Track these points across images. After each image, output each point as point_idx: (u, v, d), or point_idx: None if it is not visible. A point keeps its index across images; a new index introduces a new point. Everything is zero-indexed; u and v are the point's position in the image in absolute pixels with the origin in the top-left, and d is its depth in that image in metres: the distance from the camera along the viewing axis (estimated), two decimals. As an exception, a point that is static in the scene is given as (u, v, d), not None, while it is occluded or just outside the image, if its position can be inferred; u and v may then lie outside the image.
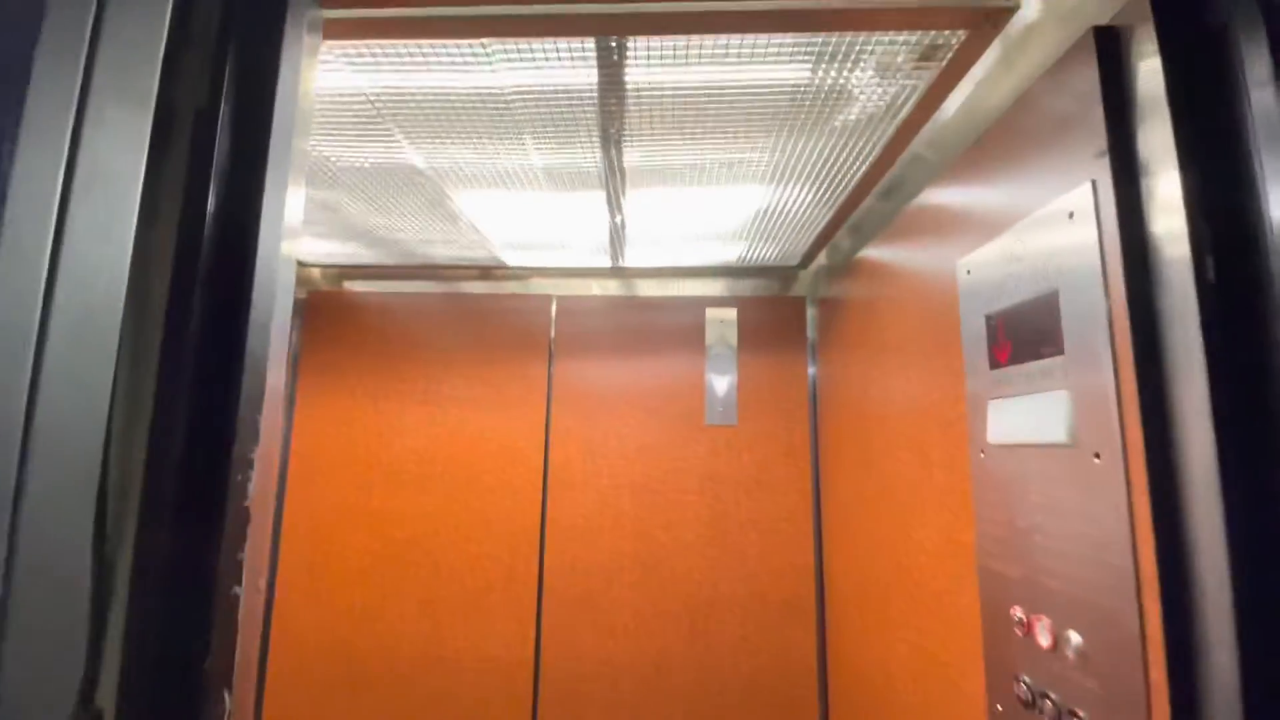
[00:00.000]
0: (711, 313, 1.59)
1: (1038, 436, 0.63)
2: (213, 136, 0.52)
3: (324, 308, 1.65)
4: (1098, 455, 0.56)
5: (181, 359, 0.47)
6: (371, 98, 0.85)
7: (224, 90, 0.54)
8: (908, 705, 0.97)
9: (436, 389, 1.58)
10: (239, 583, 0.49)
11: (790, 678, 1.44)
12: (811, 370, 1.56)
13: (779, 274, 1.62)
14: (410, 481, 1.54)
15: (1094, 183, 0.56)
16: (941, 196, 0.88)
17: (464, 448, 1.55)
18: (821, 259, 1.52)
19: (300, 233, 0.67)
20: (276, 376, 0.52)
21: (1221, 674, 0.45)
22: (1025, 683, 0.64)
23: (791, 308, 1.59)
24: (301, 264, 1.64)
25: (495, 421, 1.56)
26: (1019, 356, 0.67)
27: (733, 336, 1.58)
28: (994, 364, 0.72)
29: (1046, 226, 0.63)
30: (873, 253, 1.16)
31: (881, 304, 1.10)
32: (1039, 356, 0.64)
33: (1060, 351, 0.60)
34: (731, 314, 1.58)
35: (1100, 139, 0.56)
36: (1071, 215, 0.59)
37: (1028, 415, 0.65)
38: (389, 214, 1.24)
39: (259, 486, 0.51)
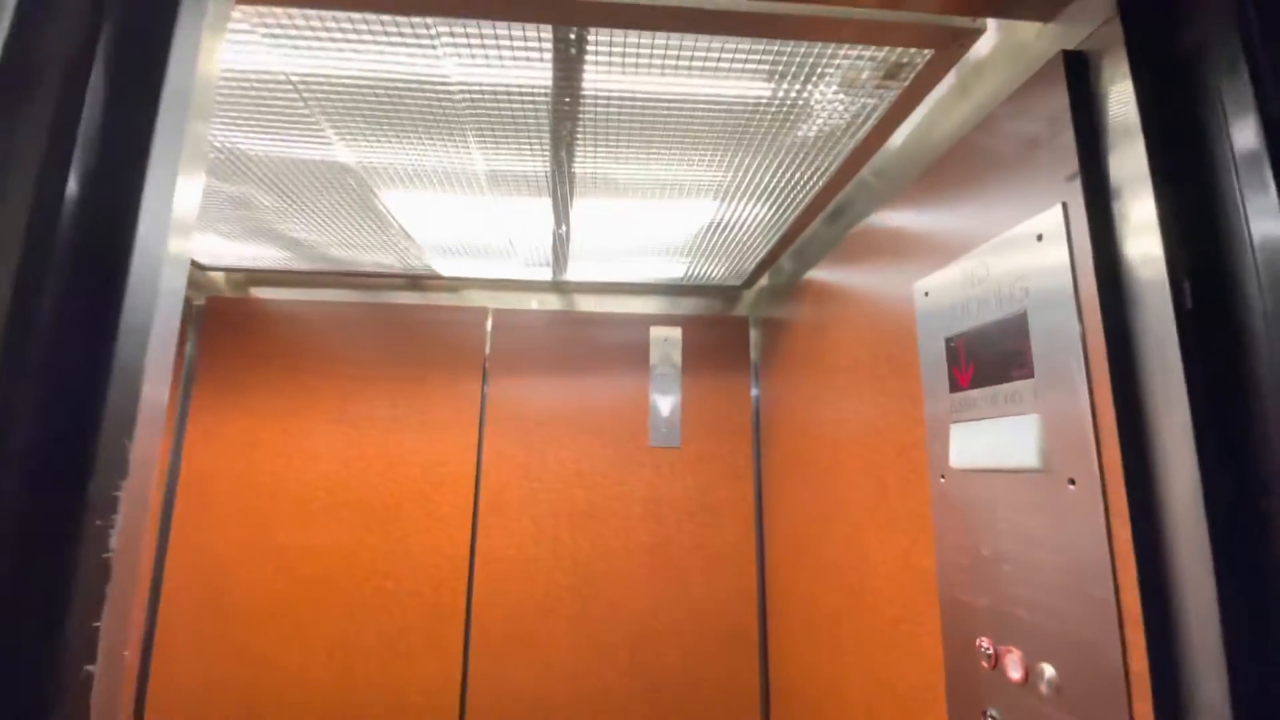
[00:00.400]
0: (656, 331, 1.55)
1: (1005, 461, 0.62)
2: (79, 106, 0.42)
3: (227, 316, 1.48)
4: (1073, 481, 0.54)
5: (23, 374, 0.37)
6: (295, 82, 0.75)
7: (98, 50, 0.44)
8: (860, 738, 0.94)
9: (354, 408, 1.44)
10: (92, 659, 0.38)
11: (734, 710, 1.39)
12: (755, 391, 1.55)
13: (722, 293, 1.60)
14: (321, 512, 1.39)
15: (1065, 205, 0.56)
16: (897, 219, 0.88)
17: (384, 474, 1.42)
18: (764, 280, 1.51)
19: (193, 229, 0.56)
20: (156, 394, 0.42)
21: (1212, 708, 0.44)
22: (993, 717, 0.62)
23: (735, 328, 1.57)
24: (201, 267, 1.47)
25: (421, 444, 1.44)
26: (983, 379, 0.66)
27: (677, 356, 1.54)
28: (955, 386, 0.71)
29: (1013, 248, 0.62)
30: (821, 274, 1.16)
31: (831, 325, 1.10)
32: (1005, 379, 0.63)
33: (1029, 374, 0.59)
34: (676, 333, 1.55)
35: (1071, 162, 0.55)
36: (1040, 237, 0.59)
37: (994, 439, 0.64)
38: (309, 214, 1.12)
39: (126, 531, 0.40)
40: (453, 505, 1.41)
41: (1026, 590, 0.59)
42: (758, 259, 1.34)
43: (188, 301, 1.48)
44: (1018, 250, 0.62)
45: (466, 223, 1.15)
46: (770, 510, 1.43)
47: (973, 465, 0.67)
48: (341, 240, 1.26)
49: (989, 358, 0.66)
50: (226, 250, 1.34)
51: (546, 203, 1.06)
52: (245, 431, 1.41)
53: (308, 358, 1.46)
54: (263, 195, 1.04)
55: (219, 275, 1.54)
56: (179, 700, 1.29)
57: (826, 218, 1.14)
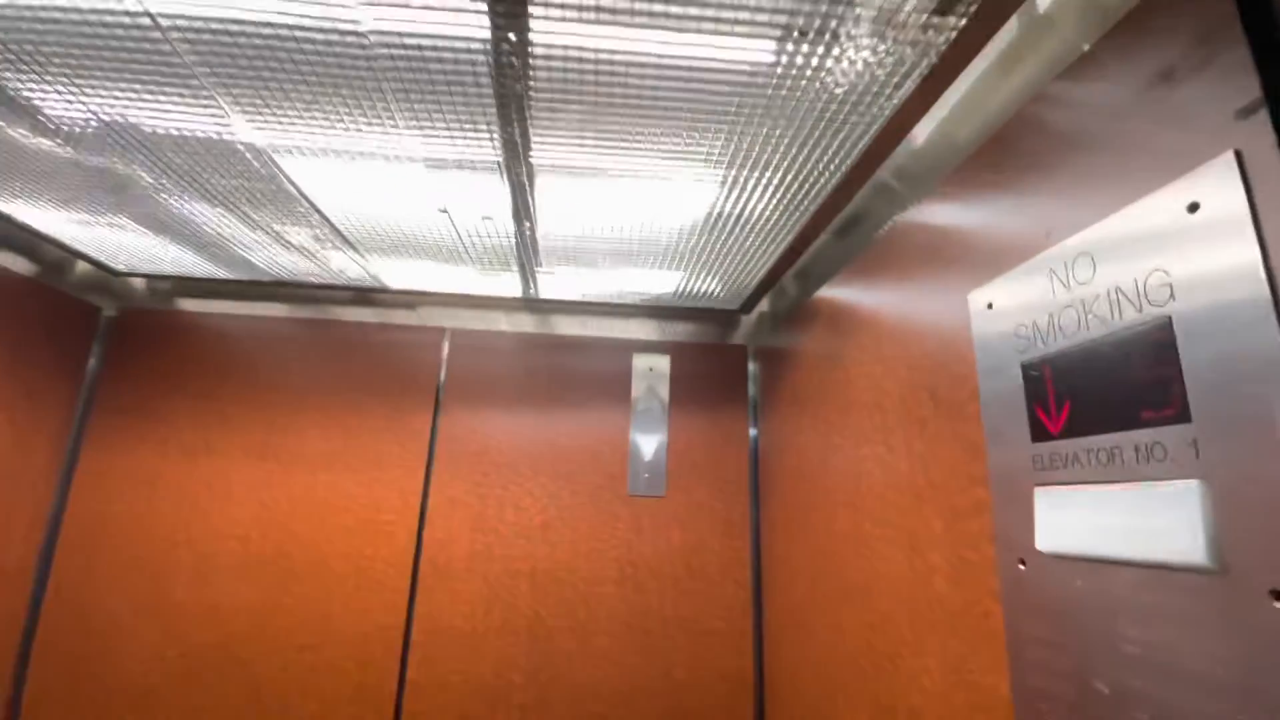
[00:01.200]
0: (640, 359, 1.34)
1: (1141, 551, 0.40)
2: None
3: (142, 330, 1.27)
4: (1278, 595, 0.33)
5: None
6: (160, 21, 0.57)
7: None
8: None
9: (280, 441, 1.22)
10: None
11: (722, 829, 1.13)
12: (753, 432, 1.33)
13: (718, 318, 1.40)
14: (229, 566, 1.15)
15: (1239, 153, 0.36)
16: (940, 214, 0.68)
17: (309, 520, 1.18)
18: (764, 305, 1.32)
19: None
20: None
21: None
22: None
23: (731, 357, 1.37)
24: (112, 271, 1.27)
25: (355, 486, 1.21)
26: (1087, 423, 0.45)
27: (664, 389, 1.33)
28: (1040, 434, 0.50)
29: (1140, 229, 0.42)
30: (835, 292, 0.96)
31: (848, 353, 0.89)
32: (1131, 423, 0.42)
33: (1181, 416, 0.38)
34: (663, 362, 1.34)
35: (1246, 87, 0.36)
36: (1195, 207, 0.38)
37: (1116, 516, 0.42)
38: (206, 198, 0.93)
39: None
40: (388, 562, 1.18)
41: (1190, 766, 0.36)
42: (759, 275, 1.14)
43: (95, 312, 1.28)
44: (1149, 231, 0.41)
45: (402, 213, 0.95)
46: (770, 577, 1.19)
47: (1077, 551, 0.45)
48: (256, 239, 1.06)
49: (1098, 392, 0.45)
50: (140, 249, 1.14)
51: (501, 191, 0.87)
52: (146, 467, 1.19)
53: (230, 381, 1.25)
54: (145, 173, 0.84)
55: (138, 282, 1.34)
56: (29, 804, 1.03)
57: (836, 230, 0.95)
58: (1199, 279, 0.38)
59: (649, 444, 1.30)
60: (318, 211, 0.95)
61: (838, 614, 0.87)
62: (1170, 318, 0.39)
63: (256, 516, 1.17)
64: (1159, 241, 0.41)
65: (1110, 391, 0.44)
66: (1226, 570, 0.35)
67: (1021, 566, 0.51)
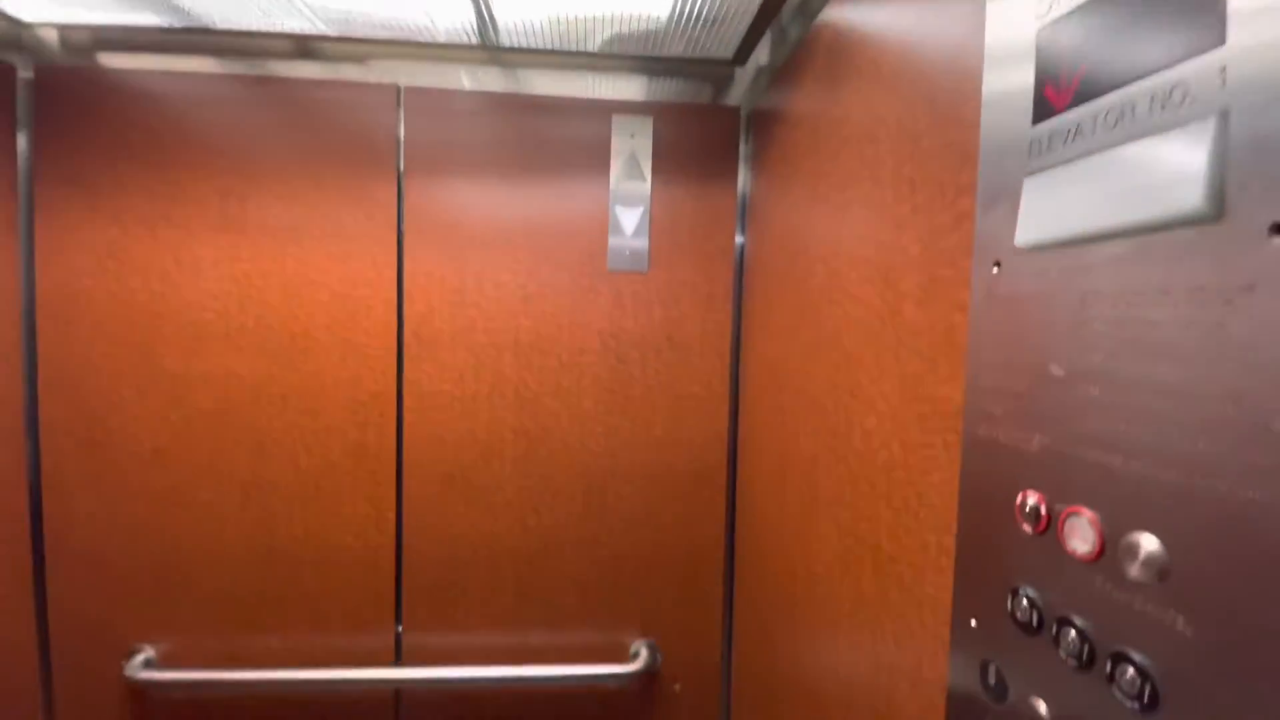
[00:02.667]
0: (620, 121, 1.22)
1: (1131, 214, 0.36)
2: None
3: (66, 92, 1.14)
4: (1278, 228, 0.29)
5: None
6: None
7: None
8: (832, 596, 0.79)
9: (239, 212, 1.16)
10: None
11: (695, 556, 1.28)
12: (741, 203, 1.25)
13: (709, 73, 1.24)
14: (213, 337, 1.16)
15: None
16: None
17: (284, 293, 1.17)
18: (762, 57, 1.16)
19: None
20: None
21: None
22: (1029, 598, 0.42)
23: (722, 121, 1.24)
24: (16, 21, 1.10)
25: (326, 259, 1.17)
26: (1099, 83, 0.39)
27: (646, 156, 1.22)
28: (1043, 113, 0.43)
29: None
30: (837, 13, 0.82)
31: (847, 84, 0.78)
32: (1155, 68, 0.35)
33: (1215, 39, 0.31)
34: (646, 124, 1.22)
35: None
36: None
37: (1110, 181, 0.38)
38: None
39: None
40: (371, 333, 1.19)
41: (1128, 426, 0.36)
42: (755, 9, 0.98)
43: (9, 71, 1.13)
44: None
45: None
46: (749, 345, 1.21)
47: (1057, 236, 0.41)
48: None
49: (1121, 38, 0.37)
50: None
51: None
52: (105, 240, 1.14)
53: (173, 147, 1.15)
54: None
55: (50, 34, 1.17)
56: (82, 543, 1.16)
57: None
58: None
59: (630, 218, 1.23)
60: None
61: (809, 365, 0.88)
62: (1240, -100, 0.30)
63: (230, 291, 1.16)
64: None
65: (1136, 29, 0.36)
66: (1223, 215, 0.31)
67: (996, 269, 0.47)
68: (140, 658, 1.17)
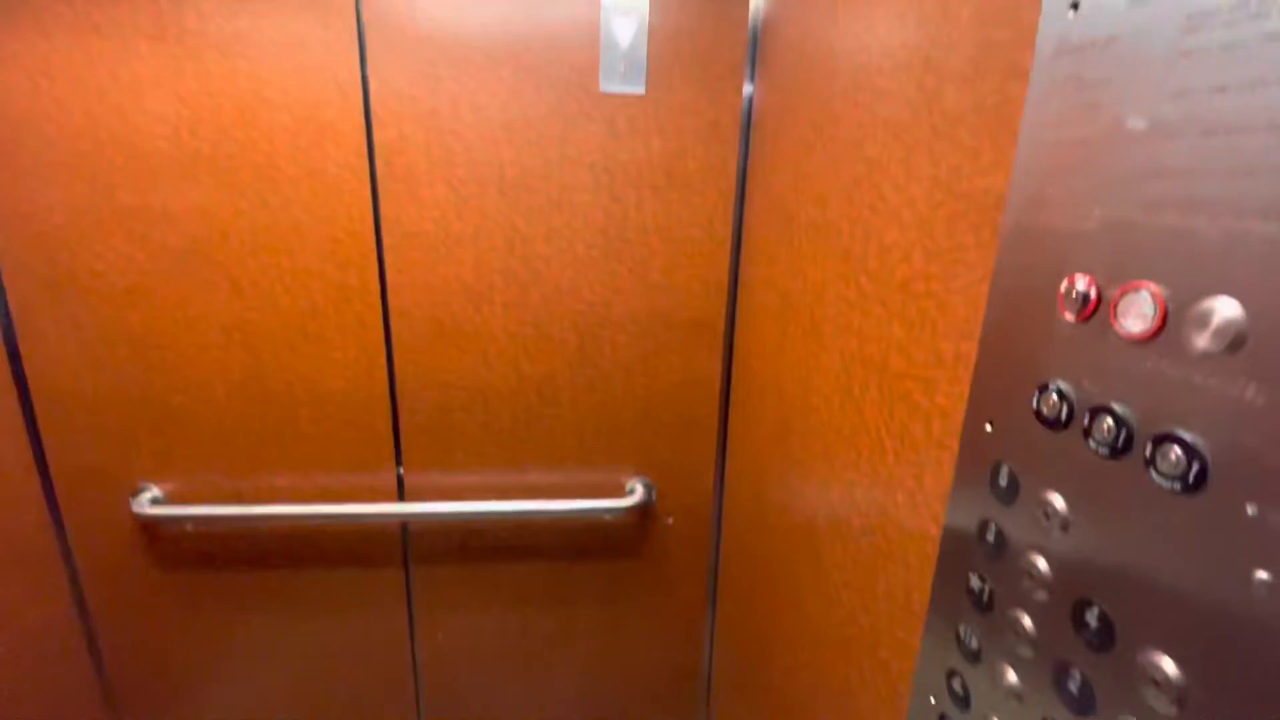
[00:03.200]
0: (611, -97, 1.02)
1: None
2: None
3: None
4: None
5: None
6: None
7: None
8: (829, 424, 0.78)
9: (176, 18, 1.00)
10: None
11: (691, 399, 1.28)
12: (754, 12, 1.09)
13: None
14: (166, 168, 1.06)
15: None
16: None
17: (239, 117, 1.05)
18: None
19: None
20: None
21: None
22: (1059, 391, 0.39)
23: (733, -96, 1.04)
24: None
25: (282, 78, 1.04)
26: None
27: (643, -51, 1.04)
28: None
29: None
30: None
31: None
32: None
33: None
34: (642, -94, 1.03)
35: None
36: None
37: None
38: None
39: None
40: (340, 164, 1.08)
41: (1222, 178, 0.30)
42: None
43: None
44: None
45: None
46: (756, 182, 1.11)
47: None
48: None
49: None
50: None
51: None
52: (30, 51, 0.99)
53: (82, -70, 0.96)
54: None
55: None
56: (68, 387, 1.13)
57: None
58: None
59: (625, 27, 1.08)
60: None
61: (822, 186, 0.80)
62: None
63: (177, 112, 1.03)
64: None
65: None
66: None
67: (1072, 11, 0.39)
68: (147, 495, 1.20)
